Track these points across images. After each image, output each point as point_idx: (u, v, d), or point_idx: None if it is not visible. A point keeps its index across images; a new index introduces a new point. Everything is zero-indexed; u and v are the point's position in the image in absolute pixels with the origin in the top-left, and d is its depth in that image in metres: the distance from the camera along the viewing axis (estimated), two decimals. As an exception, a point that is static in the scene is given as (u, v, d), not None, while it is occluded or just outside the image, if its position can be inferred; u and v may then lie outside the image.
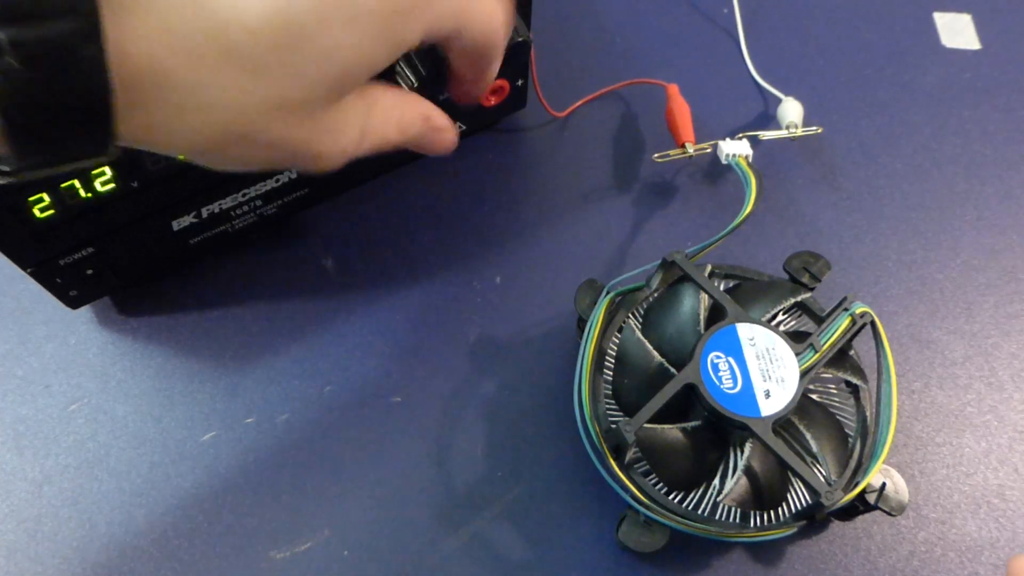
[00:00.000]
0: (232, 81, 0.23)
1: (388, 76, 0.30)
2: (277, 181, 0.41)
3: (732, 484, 0.34)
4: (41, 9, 0.19)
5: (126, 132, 0.22)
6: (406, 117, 0.29)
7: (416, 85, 0.32)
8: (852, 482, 0.35)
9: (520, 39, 0.37)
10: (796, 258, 0.40)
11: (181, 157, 0.25)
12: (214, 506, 0.38)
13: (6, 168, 0.21)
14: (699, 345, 0.36)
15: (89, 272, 0.39)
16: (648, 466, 0.35)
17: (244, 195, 0.41)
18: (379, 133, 0.28)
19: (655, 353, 0.37)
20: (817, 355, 0.36)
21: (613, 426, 0.34)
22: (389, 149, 0.29)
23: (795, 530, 0.35)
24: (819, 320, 0.38)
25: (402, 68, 0.33)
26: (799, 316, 0.40)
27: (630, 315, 0.39)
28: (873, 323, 0.37)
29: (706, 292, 0.38)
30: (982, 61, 0.52)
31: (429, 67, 0.32)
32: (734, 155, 0.44)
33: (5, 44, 0.19)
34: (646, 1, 0.54)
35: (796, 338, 0.36)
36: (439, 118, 0.30)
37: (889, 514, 0.35)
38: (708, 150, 0.45)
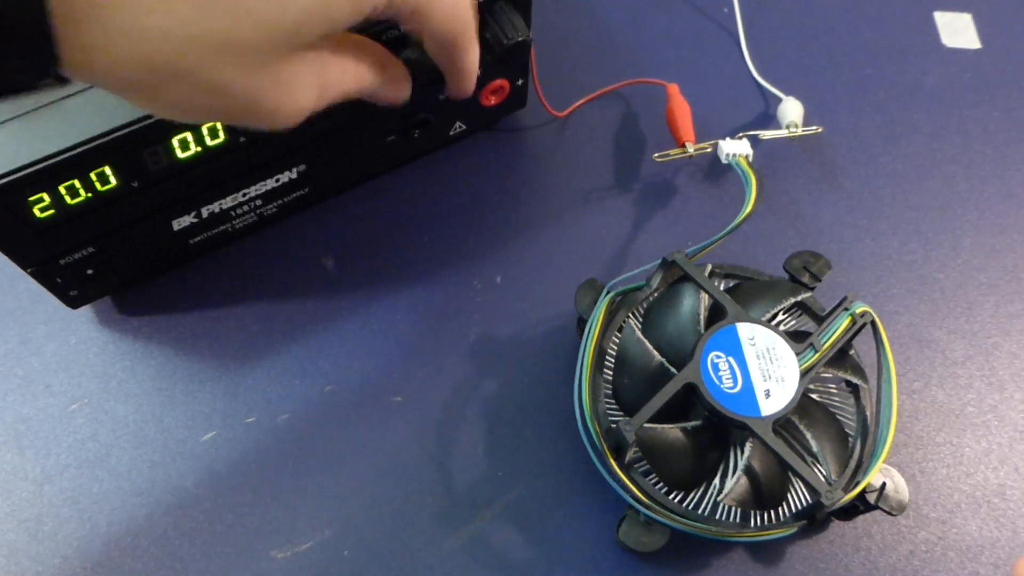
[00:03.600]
0: (175, 8, 0.22)
1: None
2: (277, 181, 0.41)
3: (732, 484, 0.34)
4: None
5: (67, 56, 0.21)
6: (362, 68, 0.28)
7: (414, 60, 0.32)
8: (852, 482, 0.35)
9: (520, 39, 0.37)
10: (796, 257, 0.40)
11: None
12: (214, 506, 0.38)
13: None
14: (699, 345, 0.36)
15: (89, 272, 0.39)
16: (648, 466, 0.35)
17: (244, 195, 0.41)
18: (338, 86, 0.27)
19: (655, 353, 0.37)
20: (817, 355, 0.36)
21: (613, 426, 0.34)
22: (345, 99, 0.28)
23: (795, 530, 0.35)
24: (819, 320, 0.38)
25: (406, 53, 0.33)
26: (799, 316, 0.40)
27: (630, 315, 0.39)
28: (873, 323, 0.37)
29: (706, 292, 0.38)
30: (982, 61, 0.52)
31: (426, 69, 0.32)
32: (734, 155, 0.44)
33: None
34: (646, 1, 0.54)
35: (796, 338, 0.36)
36: (396, 68, 0.30)
37: (889, 514, 0.35)
38: (708, 150, 0.45)
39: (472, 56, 0.30)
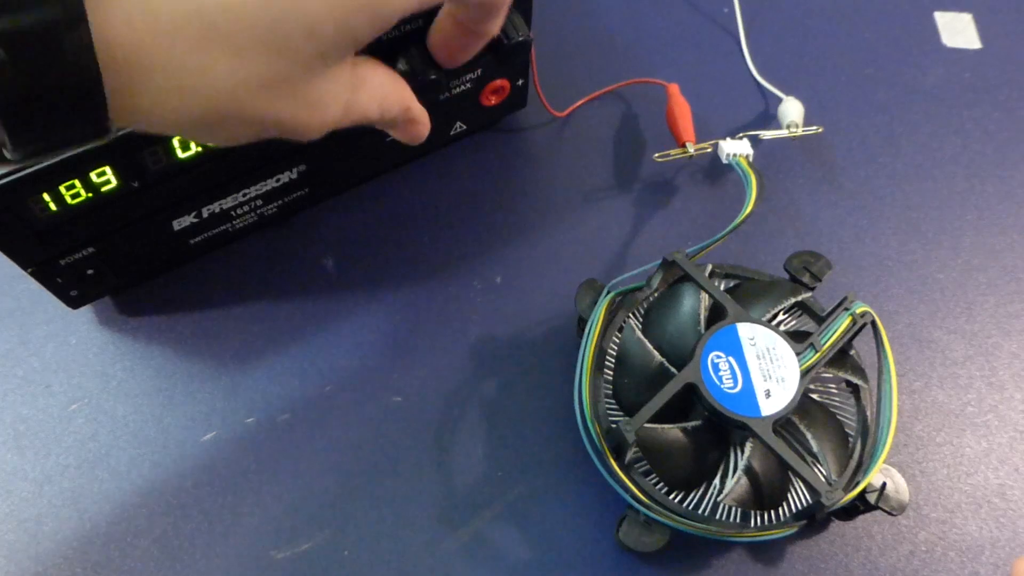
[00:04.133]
0: (215, 61, 0.23)
1: (390, 60, 0.31)
2: (277, 181, 0.41)
3: (732, 484, 0.34)
4: None
5: (117, 116, 0.22)
6: (388, 100, 0.29)
7: (409, 76, 0.32)
8: (853, 482, 0.35)
9: (520, 39, 0.37)
10: (796, 257, 0.40)
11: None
12: (214, 506, 0.38)
13: (7, 156, 0.21)
14: (699, 345, 0.36)
15: (90, 272, 0.39)
16: (648, 466, 0.35)
17: (244, 195, 0.41)
18: (362, 110, 0.28)
19: (655, 353, 0.37)
20: (818, 355, 0.36)
21: (613, 426, 0.34)
22: (366, 123, 0.30)
23: (795, 530, 0.35)
24: (819, 320, 0.38)
25: (401, 65, 0.33)
26: (799, 316, 0.40)
27: (630, 315, 0.39)
28: (873, 323, 0.37)
29: (706, 292, 0.38)
30: (983, 61, 0.52)
31: (430, 67, 0.32)
32: (735, 155, 0.44)
33: None
34: (646, 1, 0.54)
35: (796, 338, 0.36)
36: (417, 110, 0.31)
37: (890, 514, 0.35)
38: (709, 150, 0.45)
39: (498, 24, 0.31)
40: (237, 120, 0.25)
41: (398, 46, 0.33)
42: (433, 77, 0.34)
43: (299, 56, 0.24)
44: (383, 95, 0.29)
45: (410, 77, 0.32)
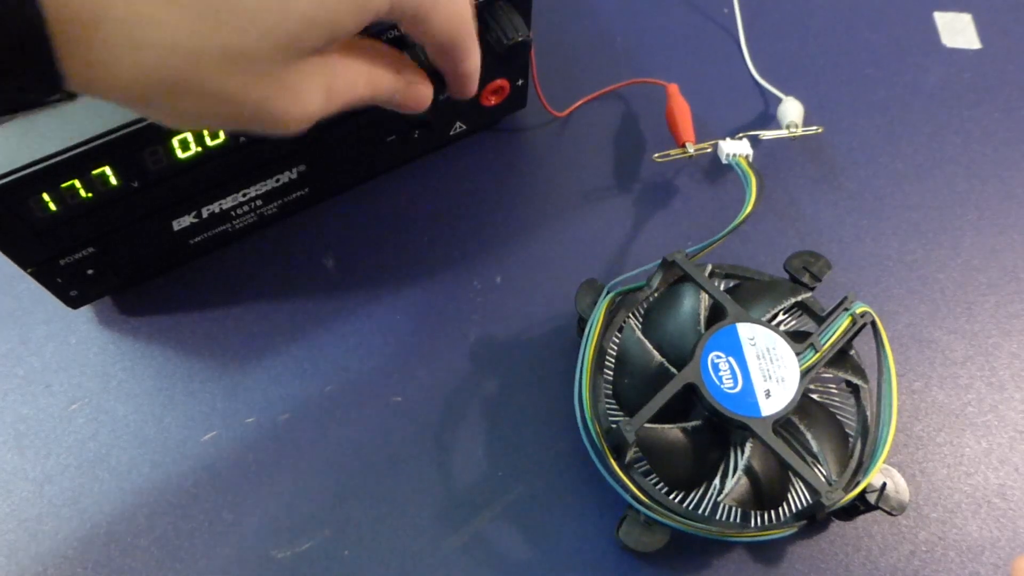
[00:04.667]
0: (179, 21, 0.22)
1: None
2: (277, 181, 0.41)
3: (733, 484, 0.34)
4: None
5: (72, 73, 0.21)
6: (376, 71, 0.28)
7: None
8: (853, 482, 0.35)
9: (520, 39, 0.37)
10: (796, 258, 0.40)
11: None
12: (214, 506, 0.38)
13: None
14: (699, 345, 0.36)
15: (90, 272, 0.39)
16: (648, 466, 0.35)
17: (244, 195, 0.41)
18: (347, 91, 0.27)
19: (655, 353, 0.37)
20: (818, 355, 0.36)
21: (613, 426, 0.34)
22: (361, 106, 0.28)
23: (796, 530, 0.35)
24: (819, 320, 0.38)
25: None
26: (799, 316, 0.40)
27: (630, 315, 0.39)
28: (873, 323, 0.37)
29: (706, 292, 0.38)
30: (982, 61, 0.52)
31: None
32: (734, 155, 0.44)
33: None
34: (646, 1, 0.54)
35: (796, 338, 0.36)
36: (412, 70, 0.29)
37: (890, 514, 0.35)
38: (708, 150, 0.45)
39: (474, 59, 0.30)
40: (196, 93, 0.23)
41: (398, 46, 0.33)
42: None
43: (269, 32, 0.23)
44: (368, 69, 0.27)
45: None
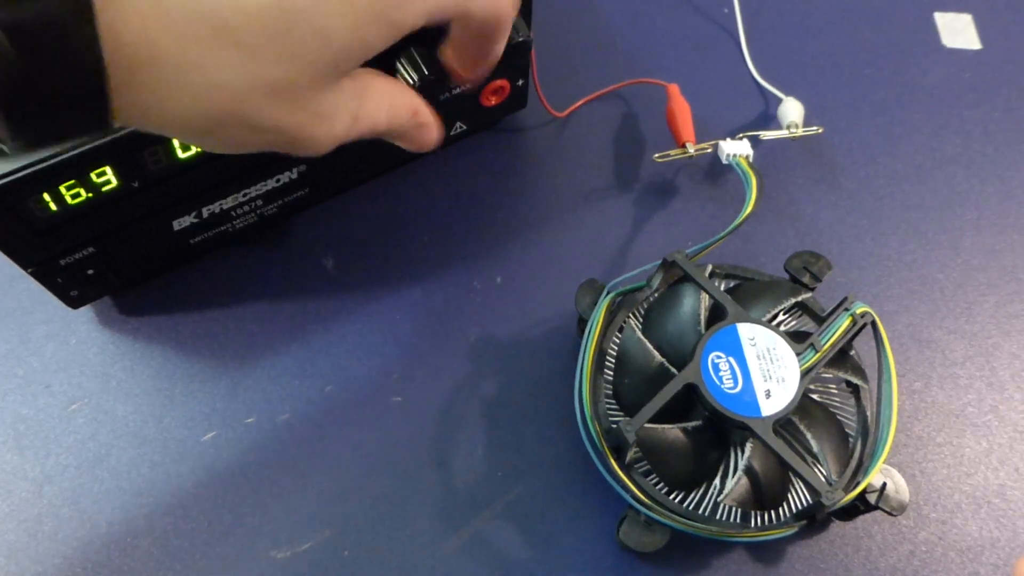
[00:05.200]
0: (226, 62, 0.22)
1: (389, 70, 0.30)
2: (277, 181, 0.41)
3: (733, 484, 0.34)
4: None
5: (120, 111, 0.22)
6: (395, 106, 0.29)
7: (417, 84, 0.32)
8: (853, 482, 0.35)
9: (520, 39, 0.37)
10: (797, 258, 0.40)
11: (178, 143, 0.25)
12: (214, 506, 0.38)
13: (5, 147, 0.21)
14: (700, 345, 0.36)
15: (90, 272, 0.39)
16: (649, 466, 0.35)
17: (244, 195, 0.41)
18: (370, 120, 0.28)
19: (656, 353, 0.37)
20: (818, 355, 0.36)
21: (614, 426, 0.34)
22: (374, 136, 0.29)
23: (796, 530, 0.35)
24: (820, 320, 0.38)
25: (403, 66, 0.33)
26: (800, 316, 0.40)
27: (631, 315, 0.39)
28: (874, 323, 0.37)
29: (707, 292, 0.38)
30: (982, 61, 0.52)
31: (431, 67, 0.32)
32: (735, 155, 0.44)
33: None
34: (646, 1, 0.54)
35: (797, 338, 0.36)
36: (426, 114, 0.30)
37: (890, 514, 0.35)
38: (709, 150, 0.45)
39: (502, 45, 0.30)
40: (242, 125, 0.24)
41: (398, 46, 0.33)
42: (433, 77, 0.34)
43: (311, 64, 0.24)
44: (390, 102, 0.28)
45: (412, 76, 0.32)
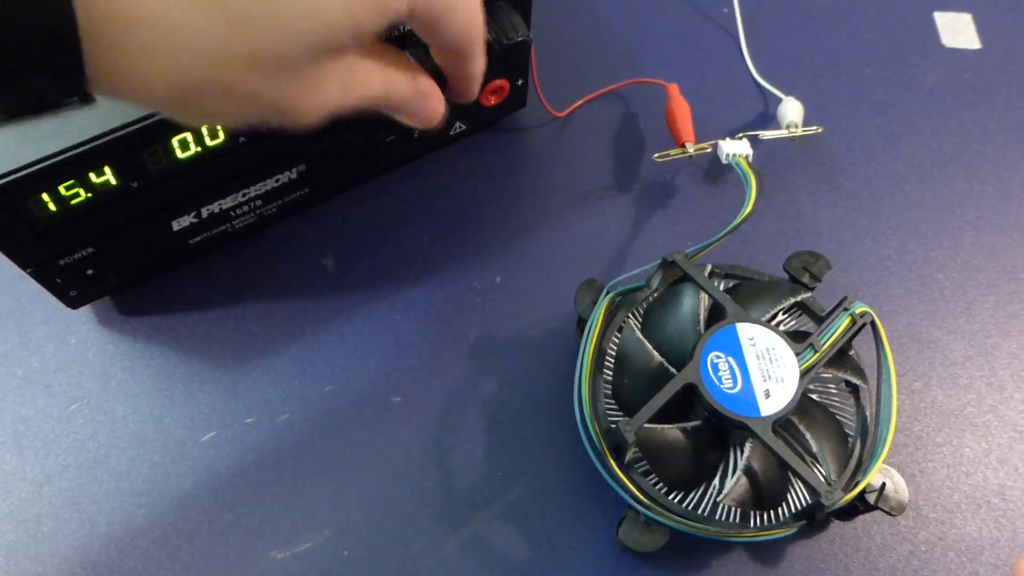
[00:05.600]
0: (210, 27, 0.22)
1: None
2: (277, 181, 0.41)
3: (732, 484, 0.34)
4: None
5: (97, 75, 0.21)
6: (391, 72, 0.28)
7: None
8: (852, 482, 0.35)
9: (520, 39, 0.37)
10: (796, 258, 0.40)
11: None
12: (214, 506, 0.38)
13: None
14: (699, 345, 0.36)
15: (89, 272, 0.39)
16: (648, 466, 0.35)
17: (244, 195, 0.41)
18: (362, 86, 0.27)
19: (655, 353, 0.37)
20: (817, 355, 0.36)
21: (613, 426, 0.34)
22: (375, 107, 0.28)
23: (795, 530, 0.35)
24: (819, 320, 0.38)
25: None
26: (799, 316, 0.40)
27: (630, 315, 0.39)
28: (873, 323, 0.37)
29: (706, 292, 0.38)
30: (982, 61, 0.52)
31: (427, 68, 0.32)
32: (734, 155, 0.44)
33: None
34: (646, 1, 0.54)
35: (796, 338, 0.36)
36: (427, 81, 0.29)
37: (889, 514, 0.35)
38: (708, 150, 0.45)
39: (481, 63, 0.30)
40: (227, 95, 0.24)
41: (398, 46, 0.33)
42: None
43: (300, 36, 0.23)
44: (383, 68, 0.27)
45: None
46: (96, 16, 0.20)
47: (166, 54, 0.22)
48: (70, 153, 0.32)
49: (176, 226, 0.40)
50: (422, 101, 0.29)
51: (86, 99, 0.22)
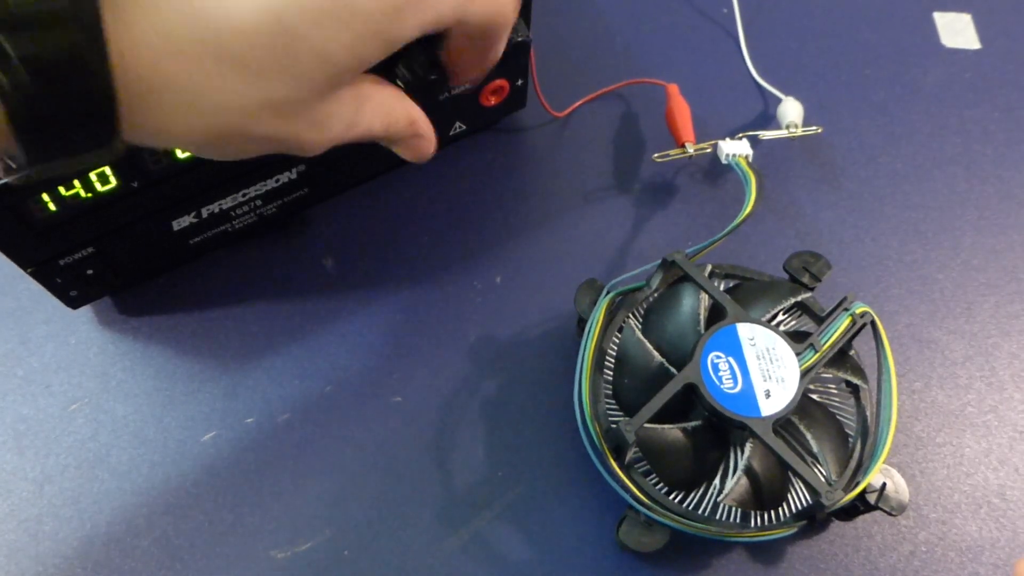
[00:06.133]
0: (228, 83, 0.23)
1: (388, 73, 0.30)
2: (277, 181, 0.41)
3: (732, 484, 0.34)
4: (44, 17, 0.19)
5: (127, 132, 0.23)
6: (393, 115, 0.29)
7: (410, 81, 0.32)
8: (852, 482, 0.35)
9: (520, 39, 0.37)
10: (796, 258, 0.40)
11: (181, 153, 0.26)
12: (214, 506, 0.38)
13: (15, 165, 0.22)
14: (699, 345, 0.36)
15: (89, 272, 0.39)
16: (648, 466, 0.35)
17: (244, 195, 0.41)
18: (366, 125, 0.28)
19: (655, 353, 0.37)
20: (817, 355, 0.36)
21: (613, 426, 0.34)
22: (370, 140, 0.30)
23: (795, 530, 0.35)
24: (819, 320, 0.38)
25: (401, 69, 0.33)
26: (799, 316, 0.40)
27: (630, 315, 0.39)
28: (873, 323, 0.37)
29: (706, 292, 0.38)
30: (982, 61, 0.52)
31: (430, 69, 0.32)
32: (734, 155, 0.44)
33: (12, 55, 0.19)
34: (646, 1, 0.54)
35: (796, 338, 0.36)
36: (423, 125, 0.31)
37: (889, 514, 0.35)
38: (708, 150, 0.45)
39: (502, 46, 0.30)
40: (244, 138, 0.25)
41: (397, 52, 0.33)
42: (433, 78, 0.34)
43: (310, 80, 0.25)
44: (388, 111, 0.29)
45: (410, 78, 0.32)
46: (127, 83, 0.22)
47: (192, 112, 0.23)
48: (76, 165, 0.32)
49: (176, 226, 0.40)
50: (415, 141, 0.31)
51: (114, 152, 0.23)
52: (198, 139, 0.25)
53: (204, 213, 0.40)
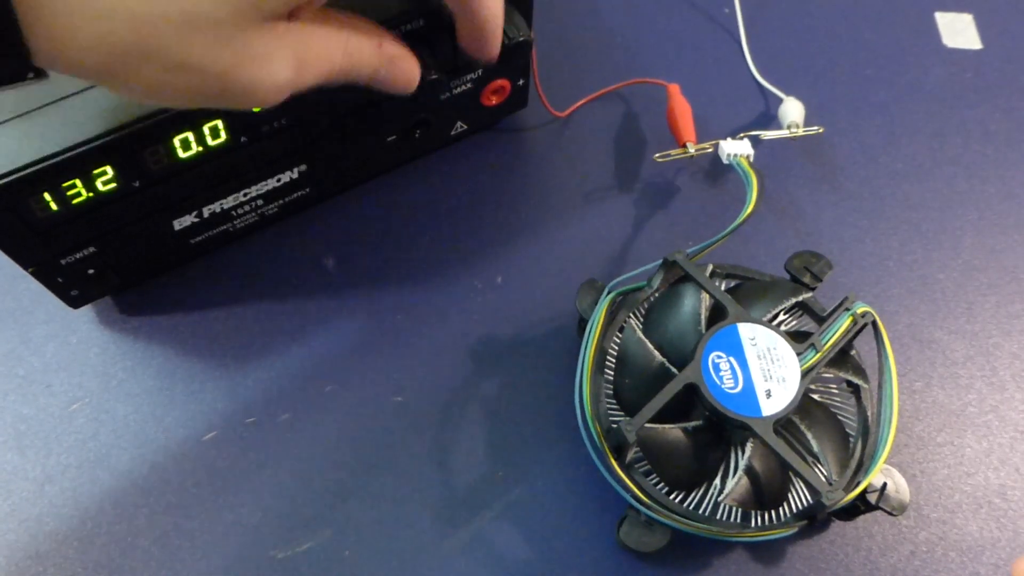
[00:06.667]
0: None
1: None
2: (278, 181, 0.41)
3: (733, 484, 0.34)
4: None
5: (37, 45, 0.22)
6: (352, 42, 0.26)
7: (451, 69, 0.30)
8: (853, 482, 0.35)
9: (521, 39, 0.37)
10: (797, 258, 0.40)
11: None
12: (215, 506, 0.38)
13: None
14: (700, 345, 0.36)
15: (90, 272, 0.39)
16: (649, 466, 0.35)
17: (245, 195, 0.41)
18: (322, 60, 0.25)
19: (656, 353, 0.37)
20: (818, 355, 0.36)
21: (614, 426, 0.34)
22: (342, 81, 0.26)
23: (796, 530, 0.35)
24: (820, 320, 0.38)
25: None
26: (800, 316, 0.40)
27: (631, 315, 0.39)
28: (874, 323, 0.37)
29: (707, 292, 0.38)
30: (983, 61, 0.52)
31: (435, 68, 0.32)
32: (735, 155, 0.43)
33: None
34: (647, 1, 0.54)
35: (797, 338, 0.36)
36: (393, 44, 0.27)
37: (890, 514, 0.35)
38: (709, 150, 0.45)
39: (491, 5, 0.27)
40: (163, 63, 0.23)
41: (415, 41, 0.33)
42: (434, 77, 0.34)
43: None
44: (343, 40, 0.26)
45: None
46: None
47: (95, 17, 0.22)
48: (71, 152, 0.32)
49: (177, 226, 0.40)
50: (392, 67, 0.27)
51: (39, 74, 0.22)
52: (107, 55, 0.22)
53: (205, 213, 0.40)
